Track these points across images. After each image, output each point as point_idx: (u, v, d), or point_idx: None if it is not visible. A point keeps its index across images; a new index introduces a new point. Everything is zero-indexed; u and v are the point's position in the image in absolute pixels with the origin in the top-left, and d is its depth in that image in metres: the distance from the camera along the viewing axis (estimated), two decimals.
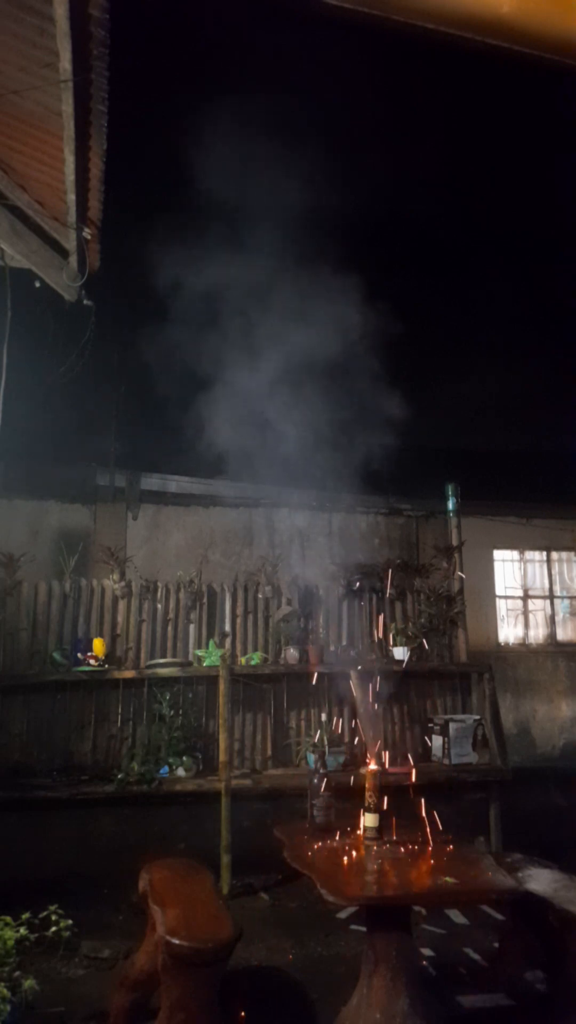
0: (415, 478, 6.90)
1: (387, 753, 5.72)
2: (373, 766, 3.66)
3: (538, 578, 9.16)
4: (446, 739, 5.82)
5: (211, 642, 5.94)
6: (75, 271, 4.12)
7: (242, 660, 5.94)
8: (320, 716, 5.93)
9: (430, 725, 6.03)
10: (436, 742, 5.93)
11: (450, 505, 6.77)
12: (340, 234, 5.99)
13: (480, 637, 8.12)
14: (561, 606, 9.17)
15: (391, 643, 6.15)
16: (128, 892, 4.36)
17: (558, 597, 9.15)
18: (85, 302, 4.26)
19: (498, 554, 9.02)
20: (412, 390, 5.83)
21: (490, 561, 8.94)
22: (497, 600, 8.92)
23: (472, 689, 6.36)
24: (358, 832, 3.58)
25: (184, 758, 5.53)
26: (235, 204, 6.34)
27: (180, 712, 5.76)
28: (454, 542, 6.66)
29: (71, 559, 6.13)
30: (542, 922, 3.43)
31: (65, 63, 2.82)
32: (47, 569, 6.43)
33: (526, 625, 8.98)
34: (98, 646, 5.72)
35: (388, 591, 6.42)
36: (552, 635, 9.01)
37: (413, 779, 5.29)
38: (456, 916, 4.56)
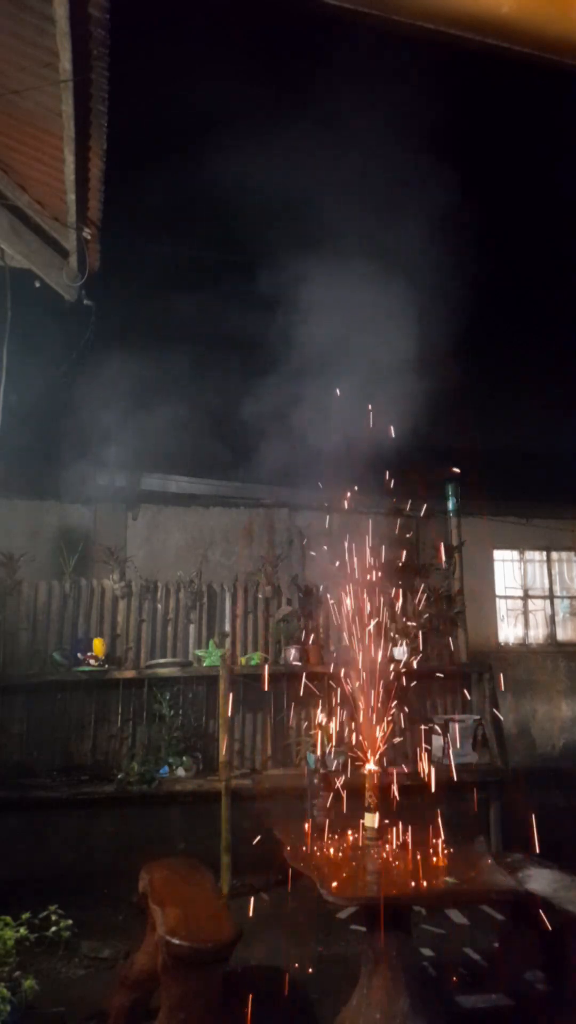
0: (415, 478, 6.90)
1: (387, 753, 5.72)
2: (373, 766, 3.66)
3: (538, 578, 9.15)
4: (446, 739, 5.81)
5: (211, 642, 5.94)
6: (75, 271, 4.11)
7: (242, 660, 5.94)
8: (320, 716, 5.93)
9: (430, 725, 6.02)
10: (436, 742, 5.93)
11: (450, 505, 6.77)
12: (339, 232, 5.99)
13: (480, 637, 8.11)
14: (561, 606, 9.16)
15: (391, 643, 6.14)
16: (128, 892, 4.37)
17: (558, 597, 9.14)
18: (85, 302, 4.25)
19: (498, 554, 9.01)
20: (412, 390, 5.83)
21: (490, 561, 8.93)
22: (497, 600, 8.91)
23: (472, 689, 6.35)
24: (358, 832, 3.58)
25: (184, 758, 5.53)
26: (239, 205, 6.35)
27: (180, 712, 5.76)
28: (454, 542, 6.66)
29: (71, 559, 6.13)
30: (542, 922, 3.43)
31: (65, 63, 2.82)
32: (47, 569, 6.42)
33: (526, 625, 8.98)
34: (98, 646, 5.71)
35: (388, 591, 6.41)
36: (552, 635, 9.00)
37: (413, 779, 5.29)
38: (456, 916, 4.56)
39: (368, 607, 6.38)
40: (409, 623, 6.30)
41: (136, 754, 5.53)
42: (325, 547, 5.71)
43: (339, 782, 4.12)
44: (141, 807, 5.45)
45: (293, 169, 5.83)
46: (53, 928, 3.50)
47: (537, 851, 4.00)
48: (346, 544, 5.39)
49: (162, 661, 5.84)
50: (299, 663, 5.89)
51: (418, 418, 5.80)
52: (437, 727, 5.93)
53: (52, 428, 6.58)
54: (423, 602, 6.43)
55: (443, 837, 3.55)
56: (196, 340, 7.29)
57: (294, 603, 6.24)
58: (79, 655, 5.64)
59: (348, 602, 6.34)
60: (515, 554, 9.13)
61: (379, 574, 6.44)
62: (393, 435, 5.43)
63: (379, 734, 3.97)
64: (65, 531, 6.90)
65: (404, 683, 5.65)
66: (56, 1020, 3.44)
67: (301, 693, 5.97)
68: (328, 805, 3.72)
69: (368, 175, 6.08)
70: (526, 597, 9.06)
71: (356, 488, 5.59)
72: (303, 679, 5.88)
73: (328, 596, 6.36)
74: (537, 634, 9.03)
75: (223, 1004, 2.99)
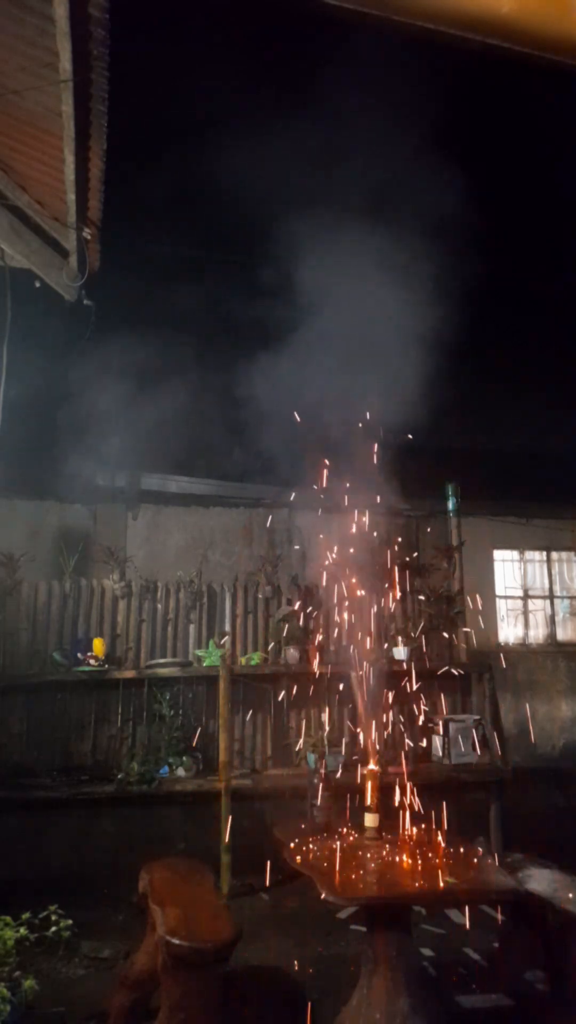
0: (415, 478, 6.90)
1: (387, 753, 5.72)
2: (373, 766, 3.66)
3: (538, 578, 9.15)
4: (446, 739, 5.81)
5: (211, 642, 5.94)
6: (75, 271, 4.12)
7: (242, 660, 5.94)
8: (320, 716, 5.93)
9: (430, 725, 6.02)
10: (436, 742, 5.93)
11: (450, 505, 6.77)
12: (338, 232, 5.99)
13: (480, 637, 8.11)
14: (561, 606, 9.16)
15: (391, 643, 6.14)
16: (128, 892, 4.36)
17: (558, 597, 9.14)
18: (85, 302, 4.25)
19: (498, 554, 9.01)
20: (412, 390, 5.83)
21: (490, 561, 8.92)
22: (497, 600, 8.90)
23: (472, 689, 6.35)
24: (358, 832, 3.58)
25: (184, 758, 5.53)
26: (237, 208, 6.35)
27: (180, 712, 5.76)
28: (454, 542, 6.66)
29: (71, 559, 6.13)
30: (542, 922, 3.42)
31: (65, 63, 2.82)
32: (47, 569, 6.42)
33: (526, 625, 8.97)
34: (98, 646, 5.71)
35: (388, 591, 6.41)
36: (552, 635, 8.99)
37: (413, 779, 5.29)
38: (456, 916, 4.56)
39: (368, 607, 6.39)
40: (409, 623, 6.30)
41: (136, 754, 5.53)
42: (325, 547, 5.72)
43: (338, 782, 4.12)
44: (141, 807, 5.45)
45: (292, 169, 5.84)
46: (53, 928, 3.51)
47: (537, 851, 4.00)
48: (346, 544, 5.39)
49: (162, 661, 5.84)
50: (299, 663, 5.89)
51: (419, 418, 5.80)
52: (437, 727, 5.93)
53: (52, 428, 6.57)
54: (423, 602, 6.43)
55: (443, 837, 3.55)
56: (196, 340, 7.29)
57: (294, 603, 6.24)
58: (79, 655, 5.63)
59: (348, 602, 6.35)
60: (515, 554, 9.13)
61: (379, 574, 6.45)
62: (394, 435, 5.44)
63: (379, 734, 3.97)
64: (65, 531, 6.90)
65: (404, 683, 5.66)
66: (56, 1020, 3.44)
67: (301, 693, 5.98)
68: (328, 805, 3.72)
69: (366, 174, 6.08)
70: (526, 597, 9.06)
71: (356, 488, 5.59)
72: (303, 679, 5.89)
73: (328, 596, 6.37)
74: (537, 634, 9.03)
75: (223, 1004, 2.99)
